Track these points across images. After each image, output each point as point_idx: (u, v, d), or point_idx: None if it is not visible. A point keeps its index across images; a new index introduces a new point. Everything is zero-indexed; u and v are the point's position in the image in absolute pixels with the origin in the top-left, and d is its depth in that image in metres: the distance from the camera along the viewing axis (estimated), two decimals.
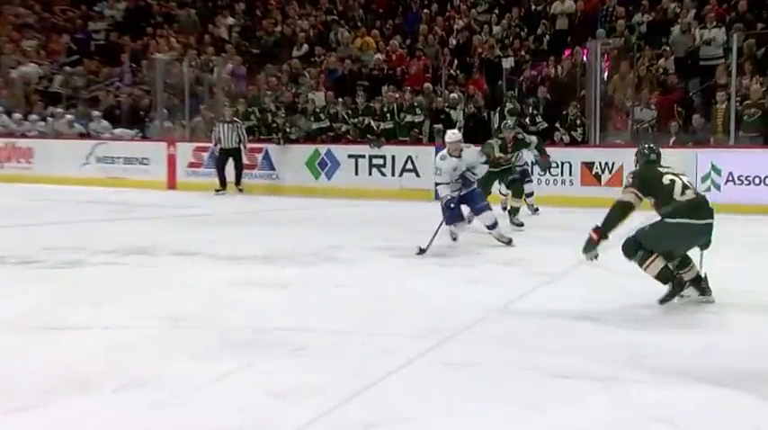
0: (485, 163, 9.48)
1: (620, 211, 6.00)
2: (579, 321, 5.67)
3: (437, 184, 9.03)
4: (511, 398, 4.10)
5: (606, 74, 15.05)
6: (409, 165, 14.95)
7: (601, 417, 3.85)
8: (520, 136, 11.00)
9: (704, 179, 12.62)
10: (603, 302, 6.20)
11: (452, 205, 8.76)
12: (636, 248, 6.02)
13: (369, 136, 15.47)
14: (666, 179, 6.01)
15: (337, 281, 7.14)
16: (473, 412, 3.89)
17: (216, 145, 15.66)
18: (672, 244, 6.02)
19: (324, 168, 15.61)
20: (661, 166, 6.15)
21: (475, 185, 9.06)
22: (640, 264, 6.03)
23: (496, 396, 4.13)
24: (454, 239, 9.05)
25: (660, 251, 6.01)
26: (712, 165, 12.71)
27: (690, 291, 6.04)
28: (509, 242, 9.02)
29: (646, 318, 5.75)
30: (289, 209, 13.42)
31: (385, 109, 15.61)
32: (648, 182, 6.04)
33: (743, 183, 12.60)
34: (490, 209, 9.10)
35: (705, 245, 6.05)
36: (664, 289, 6.04)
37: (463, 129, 14.05)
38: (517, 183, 10.92)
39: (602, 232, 6.00)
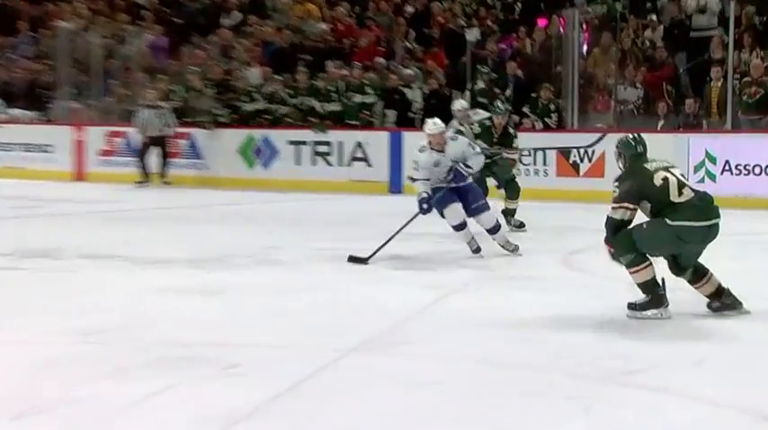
0: (481, 153, 8.76)
1: (614, 230, 6.06)
2: (557, 331, 5.72)
3: (412, 179, 8.63)
4: (477, 421, 4.12)
5: (585, 47, 15.20)
6: (359, 153, 14.98)
7: None
8: (511, 129, 10.69)
9: (697, 168, 12.79)
10: (585, 309, 6.26)
11: (425, 205, 8.28)
12: (629, 248, 6.00)
13: (312, 119, 15.45)
14: (658, 179, 5.97)
15: (276, 287, 7.13)
16: None
17: (140, 132, 15.54)
18: (673, 249, 6.04)
19: (260, 157, 15.57)
20: (648, 161, 6.12)
21: (470, 180, 8.57)
22: (628, 266, 6.03)
23: (459, 419, 4.14)
24: (476, 251, 8.53)
25: (658, 256, 6.05)
26: (707, 153, 12.90)
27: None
28: (515, 250, 8.56)
29: (633, 328, 5.82)
30: (219, 204, 13.41)
31: (331, 88, 15.61)
32: (638, 189, 6.02)
33: (741, 173, 12.81)
34: (488, 208, 8.65)
35: (703, 248, 6.11)
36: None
37: (422, 112, 14.11)
38: (513, 182, 10.49)
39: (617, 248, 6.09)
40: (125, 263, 8.13)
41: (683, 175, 6.13)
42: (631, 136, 6.34)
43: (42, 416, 4.13)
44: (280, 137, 15.54)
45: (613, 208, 6.04)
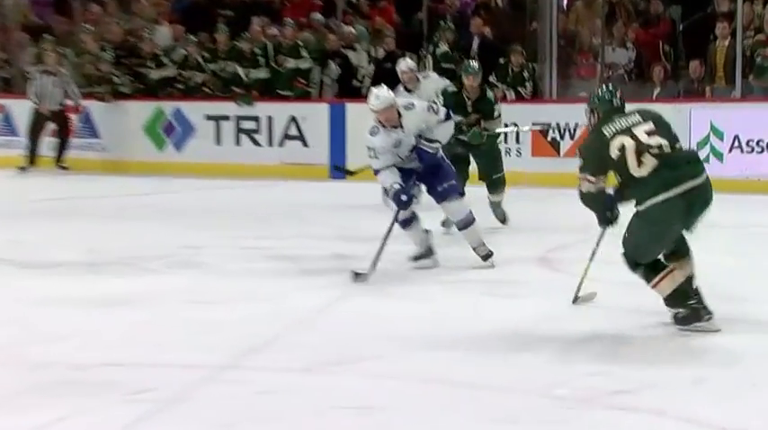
0: (447, 117, 8.13)
1: (585, 203, 6.11)
2: (533, 345, 5.80)
3: (375, 171, 8.04)
4: None
5: (566, 0, 15.28)
6: (293, 131, 14.99)
7: None
8: (489, 93, 10.25)
9: (701, 145, 12.85)
10: (564, 320, 6.36)
11: (405, 197, 7.75)
12: (633, 264, 6.02)
13: (235, 89, 15.44)
14: (614, 149, 5.90)
15: (194, 295, 7.17)
16: None
17: (36, 104, 15.47)
18: (667, 238, 5.99)
19: (171, 135, 15.54)
20: (614, 120, 6.00)
21: (438, 154, 8.08)
22: (647, 282, 6.03)
23: None
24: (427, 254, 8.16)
25: (652, 256, 6.01)
26: (712, 127, 13.01)
27: (713, 325, 5.96)
28: (487, 256, 8.08)
29: (620, 341, 5.92)
30: (123, 194, 13.37)
31: (257, 50, 15.60)
32: (595, 159, 6.02)
33: (753, 150, 12.96)
34: (459, 194, 8.19)
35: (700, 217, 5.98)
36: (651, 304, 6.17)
37: (370, 79, 14.09)
38: (500, 178, 10.11)
39: (600, 221, 6.16)
40: (11, 268, 8.14)
41: (652, 132, 5.93)
42: (608, 87, 6.35)
43: None
44: (195, 110, 15.53)
45: (579, 178, 6.08)
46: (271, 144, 15.15)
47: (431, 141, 7.95)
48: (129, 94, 15.99)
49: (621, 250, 6.01)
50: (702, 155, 12.45)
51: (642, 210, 5.85)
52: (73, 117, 15.91)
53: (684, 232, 5.99)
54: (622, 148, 5.86)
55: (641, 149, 5.84)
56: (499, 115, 10.08)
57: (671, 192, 5.78)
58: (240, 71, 15.55)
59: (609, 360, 5.57)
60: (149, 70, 16.08)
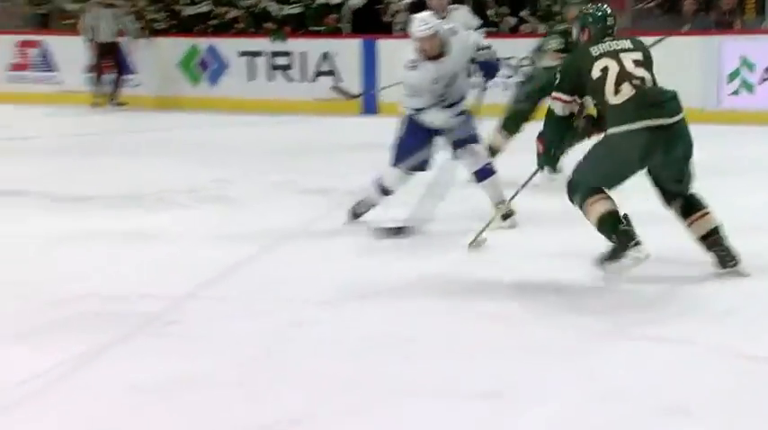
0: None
1: (552, 126, 5.89)
2: (558, 284, 5.74)
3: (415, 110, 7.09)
4: (457, 388, 4.14)
5: None
6: (325, 67, 14.88)
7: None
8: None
9: (732, 77, 12.74)
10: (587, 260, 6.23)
11: (411, 123, 7.05)
12: (576, 185, 5.74)
13: (268, 25, 15.33)
14: (597, 69, 5.59)
15: (223, 230, 7.12)
16: (407, 407, 3.92)
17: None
18: (605, 168, 5.69)
19: (205, 71, 15.47)
20: (604, 41, 5.71)
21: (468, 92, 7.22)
22: (580, 207, 5.72)
23: (434, 382, 4.18)
24: (357, 214, 7.30)
25: (597, 183, 5.69)
26: (742, 59, 12.82)
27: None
28: (507, 215, 7.06)
29: (644, 279, 5.78)
30: (157, 129, 13.32)
31: None
32: (574, 78, 5.74)
33: None
34: (476, 141, 7.20)
35: (671, 165, 5.67)
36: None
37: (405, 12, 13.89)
38: None
39: (546, 148, 5.93)
40: (40, 201, 8.14)
41: (639, 62, 5.64)
42: (602, 6, 5.97)
43: None
44: (229, 46, 15.42)
45: (551, 97, 5.86)
46: (304, 80, 15.01)
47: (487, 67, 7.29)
48: (163, 30, 15.85)
49: (569, 175, 5.79)
50: (733, 87, 12.47)
51: (609, 134, 5.61)
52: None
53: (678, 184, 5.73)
54: (605, 70, 5.59)
55: (623, 76, 5.56)
56: None
57: (636, 124, 5.49)
58: (273, 7, 15.40)
59: (633, 296, 5.48)
60: (183, 7, 15.95)
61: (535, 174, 6.32)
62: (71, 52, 15.91)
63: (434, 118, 6.96)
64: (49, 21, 17.45)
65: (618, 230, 5.54)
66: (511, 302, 5.34)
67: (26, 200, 8.21)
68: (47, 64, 16.28)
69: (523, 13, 14.32)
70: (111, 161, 10.56)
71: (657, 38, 7.60)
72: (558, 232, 6.68)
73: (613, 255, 5.57)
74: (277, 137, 12.56)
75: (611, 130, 5.57)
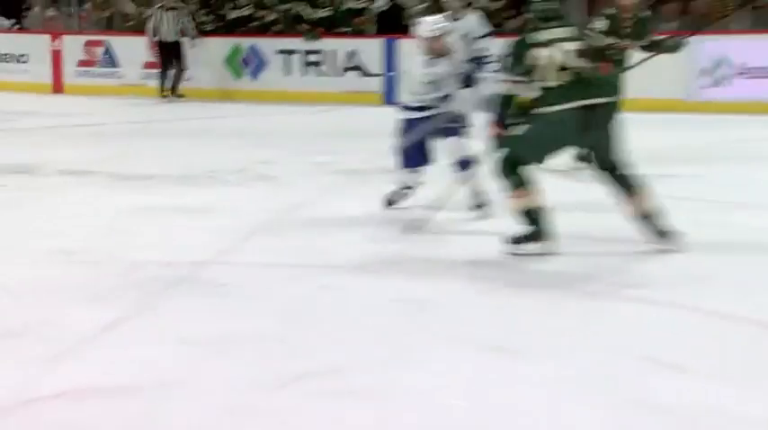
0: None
1: (501, 105, 5.73)
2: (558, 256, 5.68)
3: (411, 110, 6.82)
4: (474, 341, 4.12)
5: None
6: (352, 63, 14.83)
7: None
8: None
9: (708, 72, 12.54)
10: (585, 231, 6.17)
11: (409, 114, 6.69)
12: (507, 168, 5.50)
13: (302, 26, 15.26)
14: (540, 55, 5.45)
15: (267, 204, 7.09)
16: (442, 360, 3.90)
17: (154, 37, 15.23)
18: (540, 147, 5.51)
19: (248, 67, 15.43)
20: (557, 29, 5.52)
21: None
22: (508, 190, 5.52)
23: (461, 338, 4.16)
24: (392, 202, 6.83)
25: (532, 157, 5.49)
26: (720, 54, 12.54)
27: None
28: (480, 205, 6.58)
29: (632, 252, 5.73)
30: (207, 117, 13.36)
31: None
32: (518, 60, 5.55)
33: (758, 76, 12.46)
34: (466, 135, 6.73)
35: (601, 141, 5.52)
36: None
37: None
38: None
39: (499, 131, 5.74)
40: (106, 179, 8.12)
41: (579, 51, 5.49)
42: None
43: (14, 342, 4.12)
44: (268, 45, 15.35)
45: (502, 80, 5.70)
46: (333, 74, 14.95)
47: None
48: (211, 31, 15.79)
49: (503, 152, 5.58)
50: (710, 81, 12.28)
51: (538, 115, 5.48)
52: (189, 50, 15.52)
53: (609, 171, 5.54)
54: (546, 57, 5.44)
55: (563, 64, 5.44)
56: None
57: (570, 104, 5.37)
58: (306, 10, 15.33)
59: (625, 263, 5.47)
60: (228, 11, 15.89)
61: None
62: (131, 51, 15.90)
63: (436, 108, 6.61)
64: (112, 23, 17.35)
65: (536, 224, 5.46)
66: (515, 272, 5.30)
67: (97, 178, 8.18)
68: (110, 61, 16.21)
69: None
70: (166, 143, 10.56)
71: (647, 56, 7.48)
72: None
73: (524, 240, 5.47)
74: (310, 124, 12.52)
75: (547, 109, 5.43)
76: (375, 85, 14.51)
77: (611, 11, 7.88)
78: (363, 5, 15.23)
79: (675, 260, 5.40)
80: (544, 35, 5.53)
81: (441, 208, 6.22)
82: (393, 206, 6.82)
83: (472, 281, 5.10)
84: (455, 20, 7.95)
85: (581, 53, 5.51)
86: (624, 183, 5.53)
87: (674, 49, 7.85)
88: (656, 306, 4.62)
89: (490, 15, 11.05)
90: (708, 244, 5.62)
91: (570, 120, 5.40)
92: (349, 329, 4.32)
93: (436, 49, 6.67)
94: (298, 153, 9.49)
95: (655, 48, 7.66)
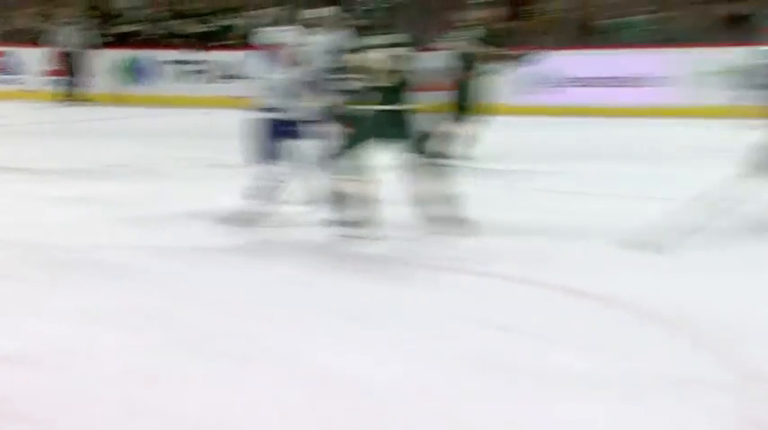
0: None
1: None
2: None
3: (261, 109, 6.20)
4: (327, 312, 4.09)
5: None
6: (227, 73, 14.54)
7: None
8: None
9: (527, 81, 12.20)
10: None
11: (263, 116, 6.02)
12: (347, 155, 5.49)
13: (183, 40, 14.98)
14: (355, 60, 5.44)
15: (153, 195, 6.98)
16: (299, 327, 3.88)
17: (59, 47, 14.67)
18: (352, 145, 5.45)
19: (139, 75, 15.03)
20: (376, 37, 5.51)
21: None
22: (335, 175, 5.48)
23: (314, 310, 4.17)
24: (250, 196, 5.99)
25: (349, 149, 5.44)
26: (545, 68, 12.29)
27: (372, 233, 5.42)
28: (320, 200, 5.94)
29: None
30: (101, 119, 12.98)
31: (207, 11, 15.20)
32: (346, 63, 5.52)
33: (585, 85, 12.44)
34: (308, 136, 6.05)
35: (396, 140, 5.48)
36: None
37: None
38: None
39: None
40: (15, 173, 7.92)
41: (393, 57, 5.41)
42: (370, 3, 5.72)
43: None
44: (158, 56, 14.96)
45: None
46: (211, 82, 14.56)
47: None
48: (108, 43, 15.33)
49: (339, 145, 5.55)
50: (530, 90, 12.17)
51: (364, 112, 5.42)
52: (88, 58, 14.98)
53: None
54: (370, 61, 5.39)
55: (385, 68, 5.39)
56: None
57: (368, 108, 5.39)
58: (187, 27, 15.08)
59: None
60: (121, 26, 15.47)
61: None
62: (31, 60, 15.31)
63: (292, 112, 5.98)
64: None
65: (364, 211, 5.41)
66: (350, 255, 5.24)
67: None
68: (12, 69, 15.56)
69: None
70: (70, 143, 10.25)
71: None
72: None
73: (352, 225, 5.41)
74: (192, 125, 12.26)
75: (360, 108, 5.42)
76: (246, 90, 14.19)
77: (478, 22, 7.98)
78: (231, 24, 14.98)
79: (522, 240, 5.43)
80: (369, 41, 5.47)
81: (288, 202, 6.01)
82: (250, 199, 6.24)
83: (317, 261, 5.09)
84: (315, 33, 7.58)
85: (398, 61, 5.43)
86: (416, 175, 5.48)
87: (526, 61, 8.09)
88: (510, 281, 4.62)
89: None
90: (552, 228, 5.66)
91: (366, 123, 5.40)
92: (224, 303, 4.29)
93: (285, 58, 6.10)
94: (180, 150, 9.29)
95: (511, 59, 7.75)
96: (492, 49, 7.74)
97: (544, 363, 3.45)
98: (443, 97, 7.65)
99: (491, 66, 7.81)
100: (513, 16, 11.74)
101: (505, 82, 8.31)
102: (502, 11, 8.88)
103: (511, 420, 2.96)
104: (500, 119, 8.02)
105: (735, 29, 11.52)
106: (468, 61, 7.71)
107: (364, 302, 4.29)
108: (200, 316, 4.07)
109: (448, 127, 7.54)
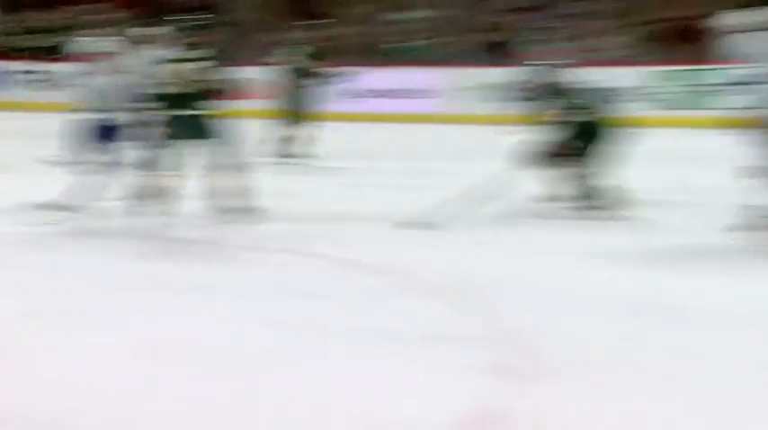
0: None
1: None
2: None
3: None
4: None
5: None
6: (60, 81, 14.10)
7: None
8: None
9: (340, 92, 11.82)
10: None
11: (87, 119, 5.79)
12: (161, 154, 5.74)
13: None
14: (164, 71, 5.63)
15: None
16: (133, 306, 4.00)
17: None
18: (170, 139, 5.63)
19: None
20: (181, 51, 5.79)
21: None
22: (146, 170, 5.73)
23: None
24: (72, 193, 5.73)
25: (165, 152, 5.66)
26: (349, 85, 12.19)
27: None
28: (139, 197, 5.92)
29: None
30: None
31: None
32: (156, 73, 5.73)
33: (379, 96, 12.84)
34: (129, 138, 5.85)
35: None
36: None
37: None
38: None
39: None
40: None
41: (192, 69, 5.62)
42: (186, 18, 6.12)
43: None
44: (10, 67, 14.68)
45: None
46: (51, 89, 13.90)
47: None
48: None
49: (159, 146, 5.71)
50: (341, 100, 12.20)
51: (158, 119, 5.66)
52: None
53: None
54: (168, 71, 5.63)
55: (181, 77, 5.59)
56: None
57: (175, 113, 5.57)
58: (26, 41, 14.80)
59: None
60: None
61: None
62: None
63: (112, 116, 5.75)
64: None
65: (168, 204, 5.53)
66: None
67: None
68: None
69: None
70: None
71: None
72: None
73: (160, 215, 5.51)
74: (41, 128, 11.67)
75: (168, 113, 5.58)
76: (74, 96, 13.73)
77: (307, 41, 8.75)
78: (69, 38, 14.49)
79: (326, 224, 5.67)
80: (180, 55, 5.68)
81: (109, 197, 5.78)
82: (75, 193, 5.76)
83: (142, 247, 5.14)
84: (142, 48, 7.12)
85: (194, 71, 5.59)
86: (227, 168, 5.66)
87: (343, 76, 9.01)
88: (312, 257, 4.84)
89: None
90: (349, 212, 5.95)
91: (186, 122, 5.53)
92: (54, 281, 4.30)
93: (106, 67, 5.86)
94: (29, 149, 8.96)
95: (332, 74, 8.62)
96: (318, 64, 8.53)
97: (342, 323, 3.61)
98: (277, 105, 8.54)
99: (317, 79, 8.54)
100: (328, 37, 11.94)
101: (326, 93, 8.72)
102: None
103: (311, 373, 3.07)
104: (321, 124, 8.45)
105: (493, 53, 12.50)
106: (301, 74, 8.47)
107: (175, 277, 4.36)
108: (33, 293, 4.04)
109: (284, 131, 8.47)
